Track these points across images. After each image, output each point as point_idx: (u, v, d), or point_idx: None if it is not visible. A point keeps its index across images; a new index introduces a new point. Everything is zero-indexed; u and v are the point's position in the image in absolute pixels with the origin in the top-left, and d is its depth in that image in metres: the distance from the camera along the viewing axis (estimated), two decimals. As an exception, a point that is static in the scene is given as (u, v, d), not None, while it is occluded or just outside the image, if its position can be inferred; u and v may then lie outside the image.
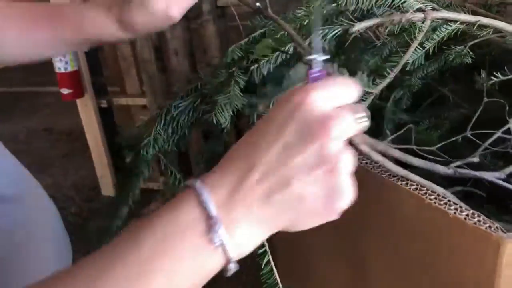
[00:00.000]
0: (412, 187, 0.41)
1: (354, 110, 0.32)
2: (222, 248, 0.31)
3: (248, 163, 0.31)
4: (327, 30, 0.57)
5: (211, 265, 0.32)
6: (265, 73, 0.56)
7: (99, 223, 2.24)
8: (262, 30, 0.62)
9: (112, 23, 0.52)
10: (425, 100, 0.92)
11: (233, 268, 0.32)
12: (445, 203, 0.39)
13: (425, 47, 0.62)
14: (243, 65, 0.58)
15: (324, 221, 0.33)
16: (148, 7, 0.49)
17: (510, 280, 0.35)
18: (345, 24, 0.56)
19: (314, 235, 0.64)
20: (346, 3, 0.58)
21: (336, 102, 0.32)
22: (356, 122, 0.32)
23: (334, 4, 0.58)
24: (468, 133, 0.66)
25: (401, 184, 0.42)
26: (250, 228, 0.31)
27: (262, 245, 0.44)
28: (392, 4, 0.59)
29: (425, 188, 0.40)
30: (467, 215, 0.37)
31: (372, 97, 0.53)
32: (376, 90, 0.52)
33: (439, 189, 0.43)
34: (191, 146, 2.00)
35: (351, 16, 0.57)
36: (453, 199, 0.41)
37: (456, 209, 0.38)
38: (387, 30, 0.57)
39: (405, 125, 0.88)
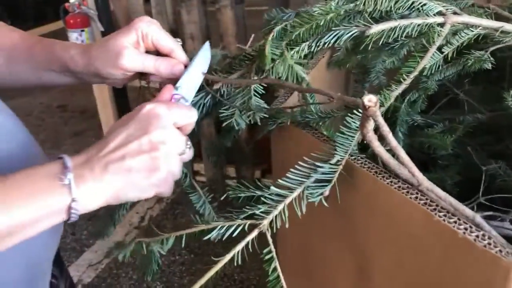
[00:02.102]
0: (421, 201, 0.40)
1: (179, 130, 0.48)
2: (68, 188, 0.42)
3: (102, 145, 0.45)
4: (342, 31, 0.55)
5: (57, 202, 0.42)
6: (280, 73, 0.54)
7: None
8: (279, 27, 0.60)
9: (82, 63, 0.58)
10: (439, 101, 0.90)
11: (74, 214, 0.43)
12: (455, 222, 0.38)
13: (444, 52, 0.60)
14: (259, 66, 0.57)
15: (147, 194, 0.46)
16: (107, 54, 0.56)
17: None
18: (362, 25, 0.54)
19: (319, 240, 0.63)
20: (364, 4, 0.56)
21: (170, 118, 0.47)
22: (177, 140, 0.47)
23: (352, 4, 0.56)
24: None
25: (410, 198, 0.40)
26: (93, 185, 0.43)
27: (269, 251, 0.44)
28: (411, 7, 0.57)
29: (435, 204, 0.39)
30: (477, 236, 0.36)
31: (388, 105, 0.51)
32: (392, 98, 0.50)
33: (469, 212, 0.40)
34: (203, 138, 2.00)
35: (368, 17, 0.55)
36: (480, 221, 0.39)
37: (466, 229, 0.37)
38: (404, 33, 0.54)
39: (418, 127, 0.86)
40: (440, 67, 0.63)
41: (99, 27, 2.17)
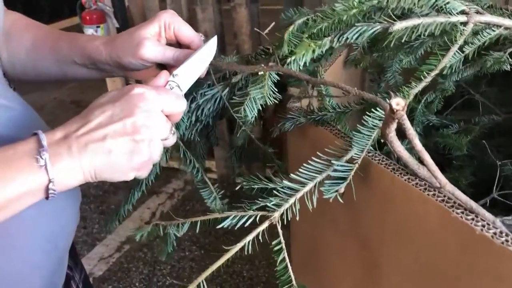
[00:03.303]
0: (439, 198, 0.40)
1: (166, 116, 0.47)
2: (45, 169, 0.41)
3: (82, 121, 0.44)
4: (365, 27, 0.55)
5: (34, 183, 0.41)
6: (301, 66, 0.55)
7: (119, 197, 2.30)
8: (301, 20, 0.60)
9: (105, 53, 0.59)
10: (455, 102, 0.89)
11: (52, 194, 0.42)
12: (472, 219, 0.38)
13: (465, 51, 0.60)
14: (278, 57, 0.56)
15: (125, 176, 0.45)
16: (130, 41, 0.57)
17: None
18: (385, 22, 0.54)
19: (332, 234, 0.64)
20: (387, 1, 0.56)
21: (159, 104, 0.46)
22: (161, 125, 0.46)
23: (375, 1, 0.56)
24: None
25: (428, 194, 0.41)
26: (70, 164, 0.42)
27: (278, 242, 0.44)
28: (434, 5, 0.57)
29: (452, 201, 0.39)
30: (495, 233, 0.36)
31: (407, 102, 0.50)
32: (411, 96, 0.50)
33: (490, 217, 0.40)
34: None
35: (391, 14, 0.55)
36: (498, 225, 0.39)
37: (484, 226, 0.37)
38: (427, 32, 0.54)
39: (434, 127, 0.86)
40: (458, 68, 0.63)
41: (115, 23, 2.19)
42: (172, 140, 0.49)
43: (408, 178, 0.43)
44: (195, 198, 2.23)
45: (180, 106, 0.49)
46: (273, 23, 0.69)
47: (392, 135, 0.42)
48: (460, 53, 0.58)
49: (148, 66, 0.59)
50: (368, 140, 0.47)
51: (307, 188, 0.46)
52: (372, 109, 0.47)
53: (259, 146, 0.69)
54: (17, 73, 0.66)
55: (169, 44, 0.59)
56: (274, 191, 0.47)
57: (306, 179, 0.46)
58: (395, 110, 0.39)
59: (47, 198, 0.43)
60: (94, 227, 2.11)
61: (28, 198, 0.42)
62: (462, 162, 0.79)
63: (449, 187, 0.41)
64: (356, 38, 0.54)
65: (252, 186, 0.50)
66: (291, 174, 0.47)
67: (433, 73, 0.52)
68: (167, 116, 0.48)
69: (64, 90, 3.62)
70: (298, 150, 0.63)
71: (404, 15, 0.58)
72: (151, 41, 0.56)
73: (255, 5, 1.90)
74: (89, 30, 2.16)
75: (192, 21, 2.07)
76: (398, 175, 0.44)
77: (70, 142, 0.42)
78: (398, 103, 0.39)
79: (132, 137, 0.44)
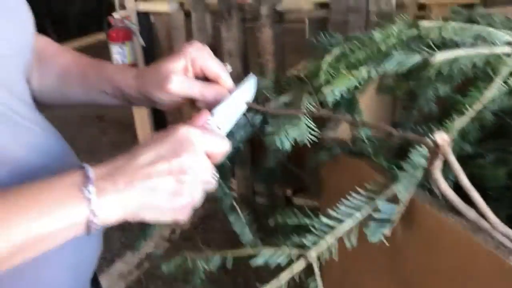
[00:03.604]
0: (492, 245, 0.37)
1: (209, 158, 0.47)
2: (88, 201, 0.41)
3: (131, 159, 0.44)
4: (405, 58, 0.53)
5: (77, 216, 0.40)
6: (338, 97, 0.53)
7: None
8: (338, 50, 0.59)
9: (135, 87, 0.60)
10: (490, 130, 0.86)
11: (93, 228, 0.42)
12: None
13: (508, 82, 0.57)
14: (312, 85, 0.55)
15: (165, 217, 0.45)
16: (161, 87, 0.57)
17: None
18: (425, 53, 0.53)
19: (369, 278, 0.60)
20: (428, 31, 0.54)
21: (203, 145, 0.46)
22: (205, 168, 0.46)
23: (415, 31, 0.55)
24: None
25: (480, 242, 0.38)
26: (114, 199, 0.42)
27: (316, 286, 0.42)
28: (477, 35, 0.55)
29: (507, 249, 0.37)
30: None
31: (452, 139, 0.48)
32: (453, 131, 0.48)
33: None
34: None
35: (431, 44, 0.53)
36: None
37: None
38: (469, 63, 0.52)
39: (468, 156, 0.83)
40: (499, 98, 0.60)
41: (140, 41, 2.23)
42: (212, 184, 0.48)
43: (455, 220, 0.41)
44: (215, 217, 2.21)
45: (223, 147, 0.48)
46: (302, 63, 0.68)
47: (437, 172, 0.40)
48: (505, 85, 0.55)
49: (177, 101, 0.59)
50: (413, 178, 0.44)
51: (346, 226, 0.44)
52: (417, 146, 0.45)
53: (290, 169, 0.68)
54: (44, 97, 0.66)
55: (197, 77, 0.59)
56: (311, 227, 0.45)
57: (344, 216, 0.44)
58: (440, 146, 0.37)
59: (88, 233, 0.42)
60: (114, 243, 2.11)
61: (69, 231, 0.41)
62: (499, 194, 0.76)
63: (502, 228, 0.38)
64: (395, 69, 0.52)
65: (288, 223, 0.48)
66: (329, 210, 0.45)
67: (475, 107, 0.50)
68: (208, 156, 0.47)
69: (87, 105, 3.67)
70: (334, 182, 0.61)
71: (444, 45, 0.56)
72: (178, 75, 0.56)
73: (280, 25, 1.90)
74: (115, 48, 2.20)
75: (216, 39, 2.08)
76: (444, 216, 0.41)
77: (117, 177, 0.42)
78: (443, 138, 0.38)
79: (177, 178, 0.44)
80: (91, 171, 0.42)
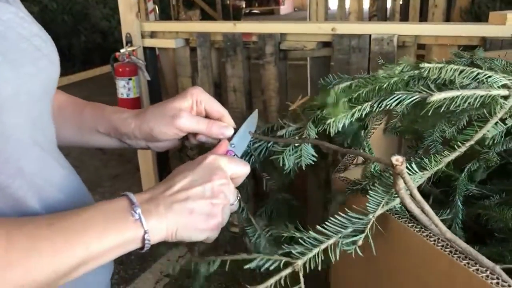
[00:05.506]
0: (484, 274, 0.39)
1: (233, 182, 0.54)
2: (140, 221, 0.46)
3: (166, 185, 0.50)
4: (404, 96, 0.56)
5: (131, 234, 0.46)
6: (340, 128, 0.58)
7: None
8: (345, 84, 0.62)
9: (134, 125, 0.64)
10: (495, 171, 0.88)
11: (147, 244, 0.47)
12: (477, 269, 0.38)
13: (507, 124, 0.60)
14: (317, 116, 0.59)
15: (200, 237, 0.50)
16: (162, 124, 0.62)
17: None
18: (424, 92, 0.55)
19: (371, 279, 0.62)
20: (428, 71, 0.57)
21: (229, 169, 0.53)
22: (232, 191, 0.53)
23: (417, 71, 0.57)
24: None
25: (473, 271, 0.40)
26: (158, 220, 0.47)
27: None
28: (475, 77, 0.58)
29: (496, 276, 0.39)
30: (497, 283, 0.36)
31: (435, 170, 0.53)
32: (442, 164, 0.52)
33: (489, 263, 0.43)
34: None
35: (430, 84, 0.56)
36: None
37: (487, 276, 0.37)
38: (466, 103, 0.55)
39: (473, 197, 0.84)
40: (502, 139, 0.62)
41: (146, 76, 2.26)
42: (237, 205, 0.54)
43: (468, 263, 0.42)
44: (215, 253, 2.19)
45: (245, 171, 0.55)
46: (306, 98, 0.73)
47: (402, 192, 0.47)
48: (503, 125, 0.58)
49: (179, 136, 0.63)
50: (383, 196, 0.52)
51: (331, 241, 0.50)
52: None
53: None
54: None
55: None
56: (300, 240, 0.51)
57: (331, 232, 0.50)
58: (395, 165, 0.44)
59: (142, 248, 0.47)
60: (114, 277, 2.08)
61: (126, 247, 0.47)
62: (505, 234, 0.76)
63: (449, 235, 0.46)
64: (396, 105, 0.56)
65: (281, 234, 0.54)
66: (317, 226, 0.51)
67: (468, 144, 0.53)
68: (231, 179, 0.53)
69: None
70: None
71: (445, 85, 0.58)
72: (186, 112, 0.62)
73: (284, 62, 1.94)
74: (121, 82, 2.24)
75: (221, 75, 2.12)
76: (411, 227, 0.48)
77: (158, 201, 0.48)
78: (397, 159, 0.44)
79: (210, 201, 0.50)
80: (134, 197, 0.48)
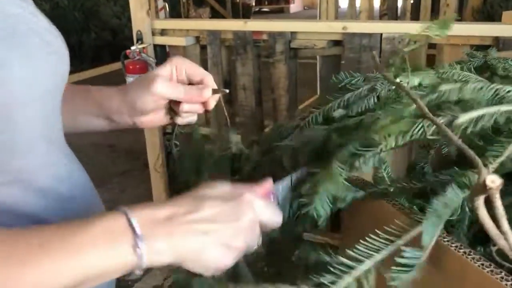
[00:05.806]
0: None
1: (261, 227, 0.49)
2: (141, 259, 0.41)
3: (191, 208, 0.45)
4: (429, 123, 0.53)
5: (128, 267, 0.42)
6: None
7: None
8: (367, 88, 0.60)
9: (118, 99, 0.62)
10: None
11: (139, 270, 0.42)
12: None
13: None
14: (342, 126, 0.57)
15: (206, 272, 0.46)
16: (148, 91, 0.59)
17: None
18: (449, 115, 0.52)
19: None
20: (448, 94, 0.56)
21: (261, 215, 0.48)
22: (255, 237, 0.48)
23: (435, 95, 0.56)
24: None
25: (506, 284, 0.38)
26: (164, 247, 0.42)
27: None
28: (495, 93, 0.57)
29: None
30: None
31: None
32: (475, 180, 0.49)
33: None
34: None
35: (452, 106, 0.54)
36: None
37: None
38: (493, 120, 0.53)
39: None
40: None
41: (156, 73, 2.27)
42: (253, 249, 0.49)
43: (482, 264, 0.41)
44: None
45: (277, 222, 0.50)
46: (315, 96, 0.70)
47: (479, 202, 0.41)
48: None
49: (160, 104, 0.61)
50: (439, 226, 0.44)
51: (364, 267, 0.43)
52: (452, 185, 0.46)
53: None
54: None
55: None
56: (328, 266, 0.44)
57: (363, 256, 0.44)
58: (488, 187, 0.38)
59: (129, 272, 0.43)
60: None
61: (115, 274, 0.42)
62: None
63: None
64: (420, 135, 0.52)
65: (309, 255, 0.49)
66: (347, 250, 0.45)
67: (498, 160, 0.50)
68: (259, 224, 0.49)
69: (100, 134, 3.71)
70: (353, 222, 0.61)
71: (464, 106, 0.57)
72: (162, 78, 0.59)
73: (294, 62, 1.94)
74: (132, 79, 2.25)
75: (231, 74, 2.12)
76: (470, 260, 0.41)
77: (173, 226, 0.43)
78: (494, 181, 0.38)
79: (229, 244, 0.45)
80: (137, 225, 0.42)
